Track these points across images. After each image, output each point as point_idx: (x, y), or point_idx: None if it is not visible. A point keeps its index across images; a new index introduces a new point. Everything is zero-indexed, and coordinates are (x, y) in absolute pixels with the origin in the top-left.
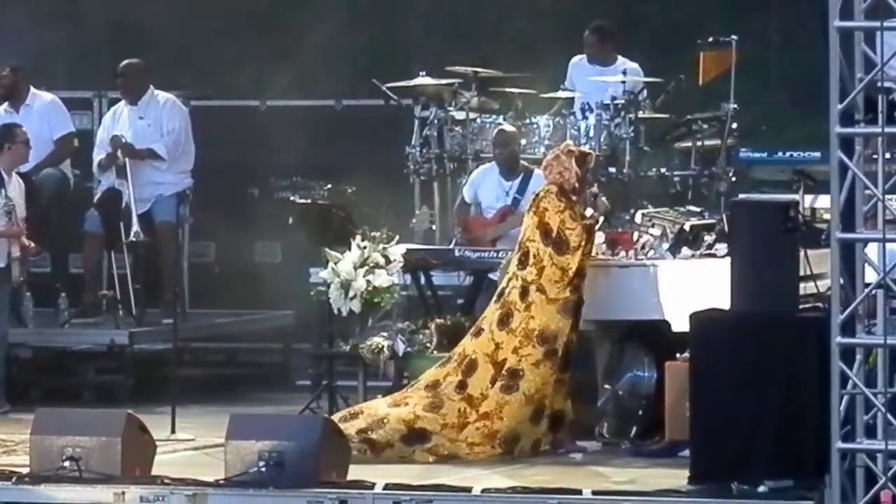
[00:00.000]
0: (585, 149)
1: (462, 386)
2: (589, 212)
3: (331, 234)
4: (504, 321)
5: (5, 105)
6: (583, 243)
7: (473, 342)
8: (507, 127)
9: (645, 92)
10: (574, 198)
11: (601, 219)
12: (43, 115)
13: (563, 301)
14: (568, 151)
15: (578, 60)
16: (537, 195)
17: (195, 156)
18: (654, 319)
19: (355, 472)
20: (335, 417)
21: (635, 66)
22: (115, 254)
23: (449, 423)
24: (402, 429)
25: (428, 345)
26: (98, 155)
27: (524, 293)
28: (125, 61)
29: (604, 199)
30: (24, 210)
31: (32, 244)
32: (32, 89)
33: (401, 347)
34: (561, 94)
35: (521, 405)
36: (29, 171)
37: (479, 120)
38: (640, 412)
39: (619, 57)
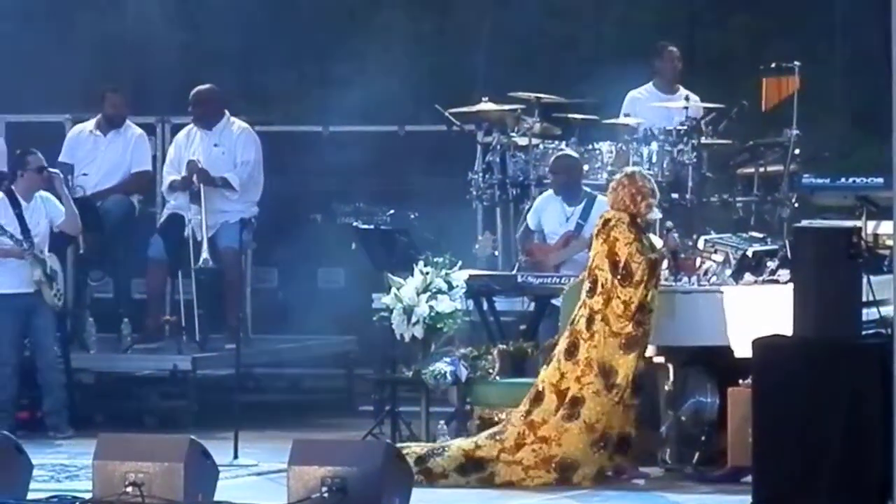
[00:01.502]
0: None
1: (527, 414)
2: (659, 243)
3: (393, 259)
4: (571, 351)
5: (93, 124)
6: (646, 278)
7: (544, 372)
8: (566, 152)
9: (706, 119)
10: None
11: (668, 255)
12: (128, 145)
13: (626, 337)
14: (641, 175)
15: (637, 95)
16: (608, 221)
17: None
18: (717, 345)
19: (418, 498)
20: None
21: (695, 96)
22: (179, 279)
23: (507, 446)
24: (461, 458)
25: (490, 370)
26: (170, 175)
27: (590, 322)
28: (198, 87)
29: (675, 235)
30: (47, 230)
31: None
32: (128, 120)
33: (463, 373)
34: (623, 119)
35: (580, 432)
36: (96, 196)
37: (541, 146)
38: (703, 438)
39: (680, 87)
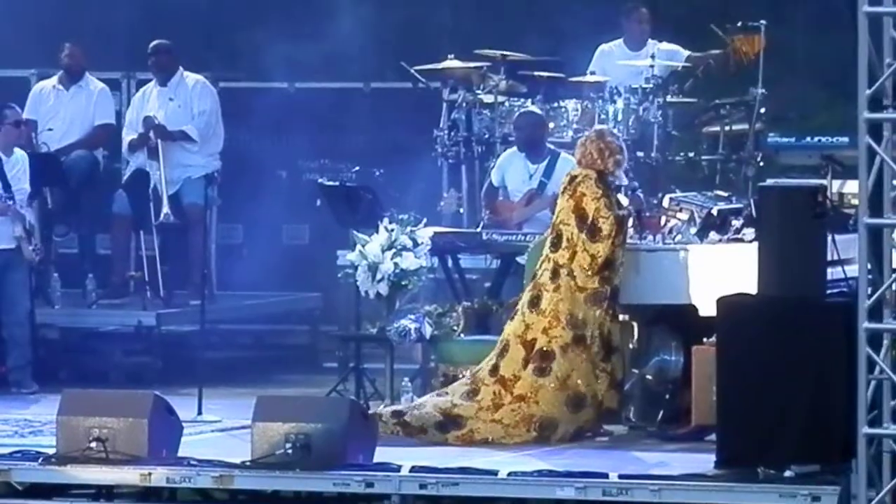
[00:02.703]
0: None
1: (495, 369)
2: (625, 202)
3: (358, 216)
4: (534, 302)
5: (56, 80)
6: (613, 233)
7: (508, 327)
8: (531, 109)
9: (672, 77)
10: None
11: (633, 214)
12: (91, 99)
13: (592, 292)
14: (610, 133)
15: (607, 48)
16: (574, 178)
17: (223, 138)
18: (682, 304)
19: (382, 455)
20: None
21: (672, 47)
22: (143, 235)
23: (484, 406)
24: (438, 416)
25: (455, 328)
26: (128, 135)
27: (555, 274)
28: (156, 41)
29: (640, 194)
30: (27, 186)
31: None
32: (87, 73)
33: (428, 330)
34: (589, 77)
35: (555, 390)
36: (61, 152)
37: (507, 103)
38: (667, 396)
39: (650, 40)
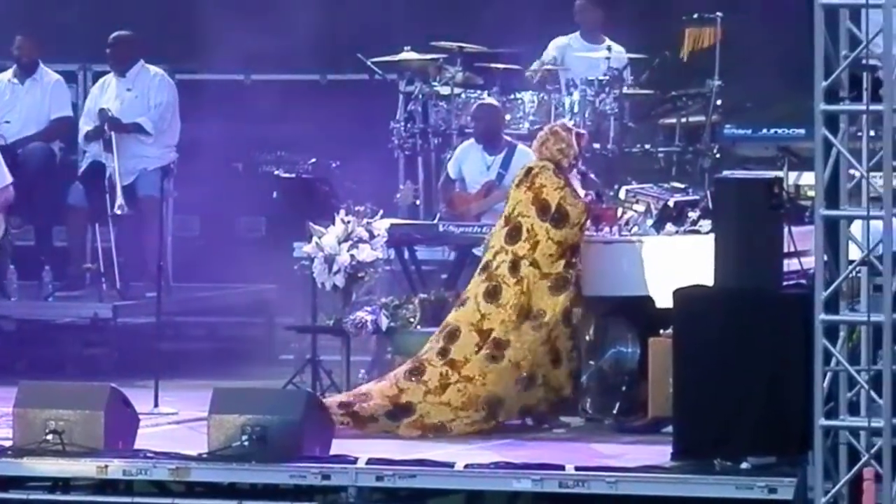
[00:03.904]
0: (580, 129)
1: (444, 352)
2: (582, 193)
3: (315, 208)
4: (492, 294)
5: (11, 73)
6: (581, 220)
7: (456, 313)
8: (488, 101)
9: (629, 68)
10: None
11: (592, 195)
12: (46, 91)
13: (556, 277)
14: (567, 128)
15: (563, 41)
16: (530, 170)
17: (180, 130)
18: (638, 296)
19: (339, 447)
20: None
21: (620, 47)
22: (99, 227)
23: (431, 388)
24: (387, 404)
25: (411, 319)
26: (85, 125)
27: (514, 267)
28: (115, 33)
29: (592, 175)
30: None
31: None
32: (42, 65)
33: (384, 322)
34: (546, 67)
35: (506, 371)
36: (17, 144)
37: (463, 95)
38: (624, 388)
39: (605, 37)
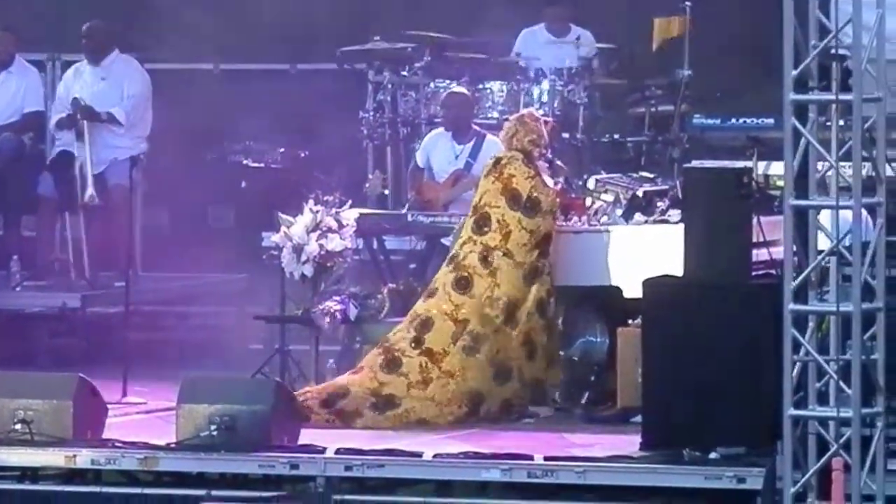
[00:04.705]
0: (548, 118)
1: (418, 342)
2: (550, 181)
3: (283, 198)
4: (462, 284)
5: None
6: (554, 208)
7: (426, 302)
8: (457, 89)
9: (599, 58)
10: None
11: (562, 181)
12: (20, 84)
13: (531, 267)
14: (534, 117)
15: (530, 32)
16: (499, 160)
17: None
18: (607, 285)
19: (308, 436)
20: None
21: (588, 34)
22: (68, 217)
23: (413, 381)
24: (369, 396)
25: (380, 309)
26: (57, 113)
27: (485, 258)
28: (91, 22)
29: (559, 162)
30: None
31: None
32: (18, 57)
33: (353, 312)
34: (515, 58)
35: (483, 366)
36: None
37: (432, 84)
38: (593, 378)
39: (573, 26)
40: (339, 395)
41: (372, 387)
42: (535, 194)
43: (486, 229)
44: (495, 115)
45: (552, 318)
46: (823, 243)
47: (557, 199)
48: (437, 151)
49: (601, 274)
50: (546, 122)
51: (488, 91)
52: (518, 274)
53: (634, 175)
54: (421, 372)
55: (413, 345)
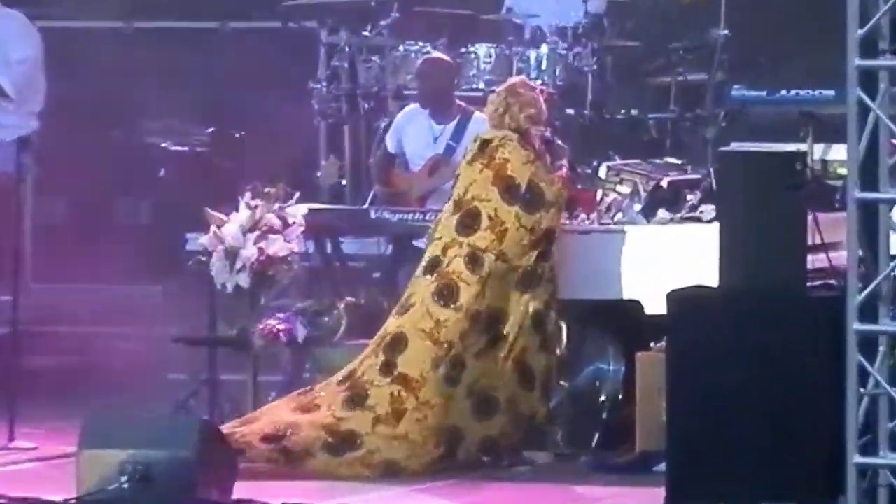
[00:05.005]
0: (548, 89)
1: (388, 367)
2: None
3: (213, 189)
4: (445, 295)
5: None
6: (561, 200)
7: (399, 320)
8: (435, 55)
9: (611, 14)
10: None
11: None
12: None
13: (525, 272)
14: (529, 86)
15: None
16: (487, 142)
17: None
18: (623, 299)
19: (242, 489)
20: (225, 429)
21: None
22: None
23: (381, 414)
24: (323, 434)
25: (335, 330)
26: None
27: (475, 262)
28: None
29: (559, 142)
30: None
31: None
32: None
33: (301, 332)
34: (506, 15)
35: (463, 398)
36: None
37: (402, 48)
38: (604, 416)
39: None
40: (286, 428)
41: (327, 423)
42: (536, 182)
43: (475, 228)
44: (482, 86)
45: (552, 338)
46: None
47: (564, 188)
48: (411, 133)
49: (615, 285)
50: (543, 93)
51: (473, 56)
52: (512, 280)
53: (657, 161)
54: (392, 403)
55: (382, 371)
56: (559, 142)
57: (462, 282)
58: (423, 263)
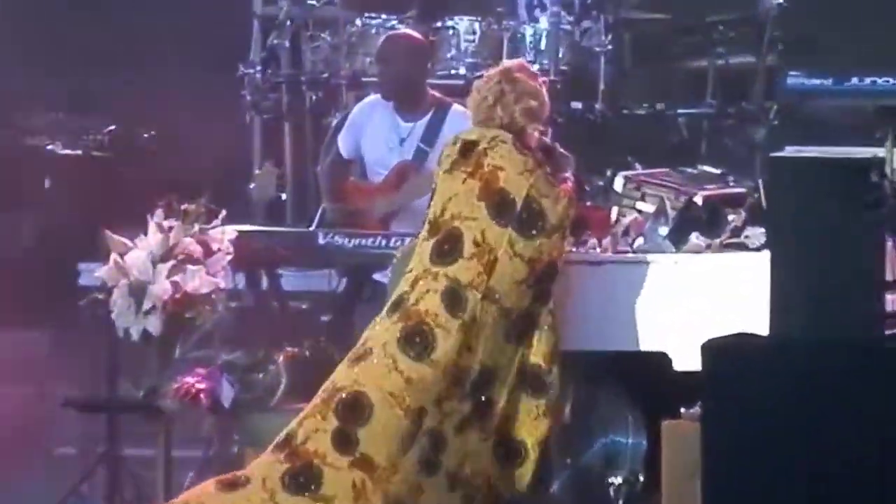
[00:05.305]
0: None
1: (345, 440)
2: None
3: (114, 205)
4: (418, 343)
5: None
6: (566, 222)
7: (354, 371)
8: (401, 31)
9: None
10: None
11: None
12: None
13: (521, 314)
14: (528, 71)
15: None
16: (472, 145)
17: None
18: (645, 351)
19: None
20: None
21: None
22: None
23: None
24: None
25: (272, 390)
26: None
27: (455, 301)
28: None
29: (561, 150)
30: None
31: None
32: None
33: (227, 394)
34: None
35: (443, 490)
36: None
37: (359, 21)
38: (621, 502)
39: None
40: None
41: None
42: (536, 198)
43: (455, 256)
44: (463, 71)
45: (552, 401)
46: None
47: (570, 206)
48: (372, 132)
49: (635, 332)
50: (544, 83)
51: (451, 32)
52: (504, 326)
53: (690, 170)
54: (356, 498)
55: (338, 443)
56: (560, 149)
57: (439, 327)
58: (390, 301)
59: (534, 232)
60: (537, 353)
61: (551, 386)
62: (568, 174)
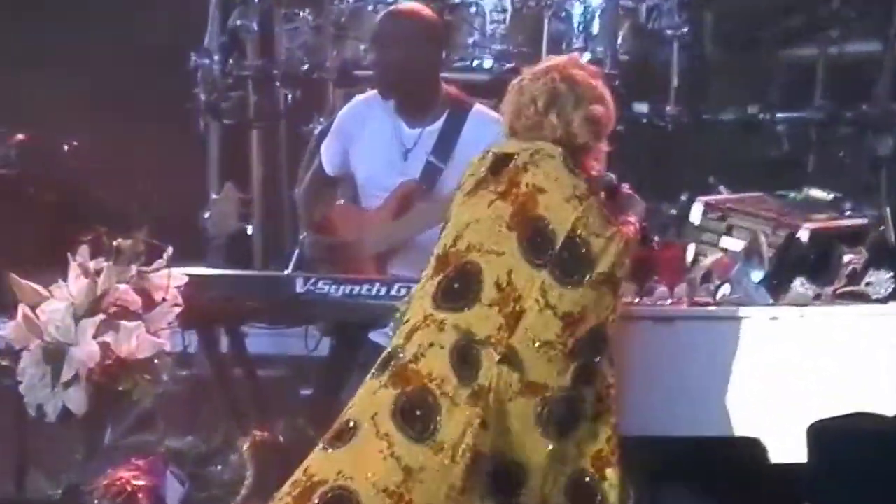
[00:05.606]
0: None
1: None
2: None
3: (26, 238)
4: (415, 417)
5: None
6: (619, 270)
7: (336, 459)
8: (405, 6)
9: None
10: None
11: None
12: None
13: (556, 399)
14: (591, 72)
15: None
16: (506, 159)
17: None
18: (732, 436)
19: None
20: None
21: None
22: None
23: None
24: None
25: (234, 487)
26: None
27: (466, 361)
28: None
29: (629, 191)
30: None
31: None
32: None
33: (175, 492)
34: None
35: None
36: None
37: None
38: None
39: None
40: None
41: None
42: (584, 235)
43: (469, 298)
44: (488, 62)
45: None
46: None
47: (628, 248)
48: (366, 142)
49: (718, 414)
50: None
51: (474, 10)
52: (531, 404)
53: (792, 194)
54: None
55: None
56: (628, 189)
57: (445, 396)
58: (382, 356)
59: (575, 278)
60: (584, 453)
61: (605, 501)
62: (632, 219)
